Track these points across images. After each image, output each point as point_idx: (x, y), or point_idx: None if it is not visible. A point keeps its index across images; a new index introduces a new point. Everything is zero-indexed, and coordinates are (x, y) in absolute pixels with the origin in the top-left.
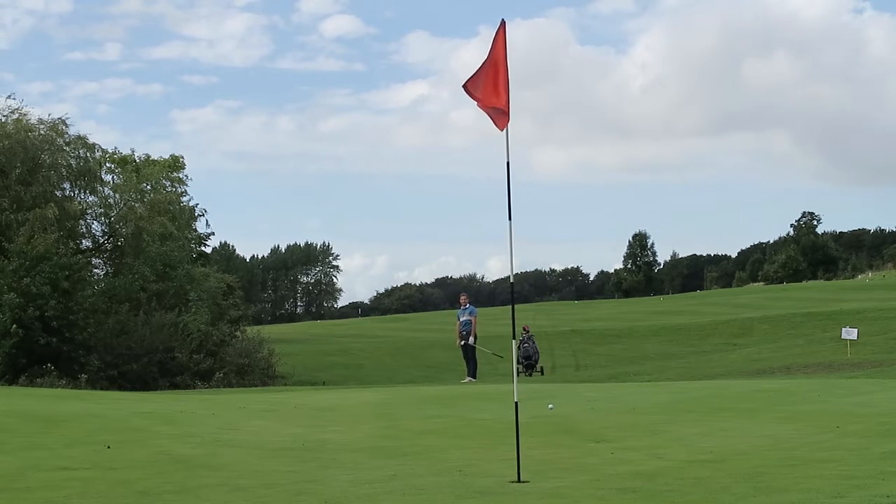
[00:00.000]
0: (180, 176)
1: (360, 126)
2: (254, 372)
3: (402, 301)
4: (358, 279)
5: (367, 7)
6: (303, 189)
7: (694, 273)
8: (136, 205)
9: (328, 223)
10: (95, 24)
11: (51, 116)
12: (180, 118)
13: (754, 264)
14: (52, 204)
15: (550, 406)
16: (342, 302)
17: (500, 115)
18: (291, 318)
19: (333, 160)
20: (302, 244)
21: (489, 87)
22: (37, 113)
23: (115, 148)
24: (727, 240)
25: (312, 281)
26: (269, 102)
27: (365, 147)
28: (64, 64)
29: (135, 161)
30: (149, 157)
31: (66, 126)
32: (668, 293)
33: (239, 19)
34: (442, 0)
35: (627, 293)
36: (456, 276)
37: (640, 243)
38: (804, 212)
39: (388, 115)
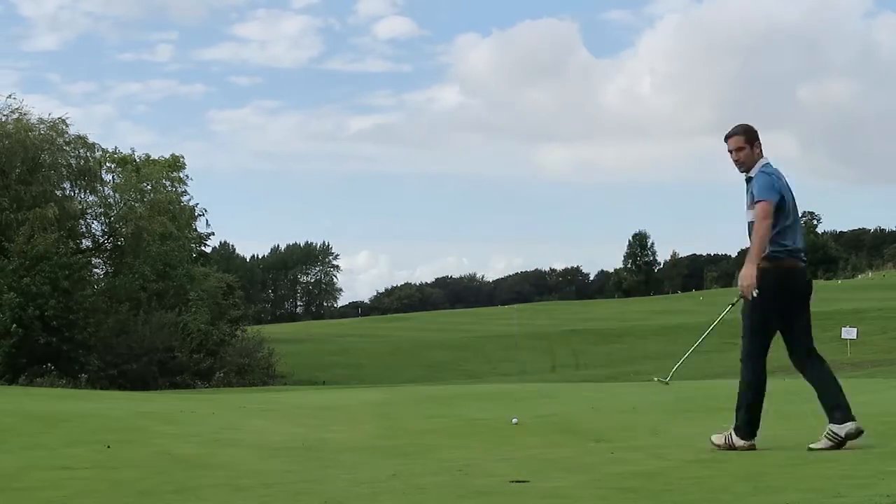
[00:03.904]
0: (180, 176)
1: (388, 127)
2: (254, 371)
3: (402, 301)
4: (362, 278)
5: (421, 9)
6: (308, 189)
7: (694, 273)
8: (136, 204)
9: (332, 223)
10: (152, 25)
11: (51, 116)
12: (217, 118)
13: None
14: (52, 203)
15: (514, 420)
16: (343, 301)
17: None
18: (291, 317)
19: (342, 160)
20: (302, 244)
21: None
22: (37, 113)
23: (116, 147)
24: (727, 240)
25: (312, 281)
26: (307, 103)
27: (375, 147)
28: (112, 65)
29: (135, 161)
30: (149, 156)
31: (66, 126)
32: (668, 293)
33: (294, 21)
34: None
35: (627, 293)
36: (456, 275)
37: (640, 243)
38: (804, 211)
39: (397, 115)
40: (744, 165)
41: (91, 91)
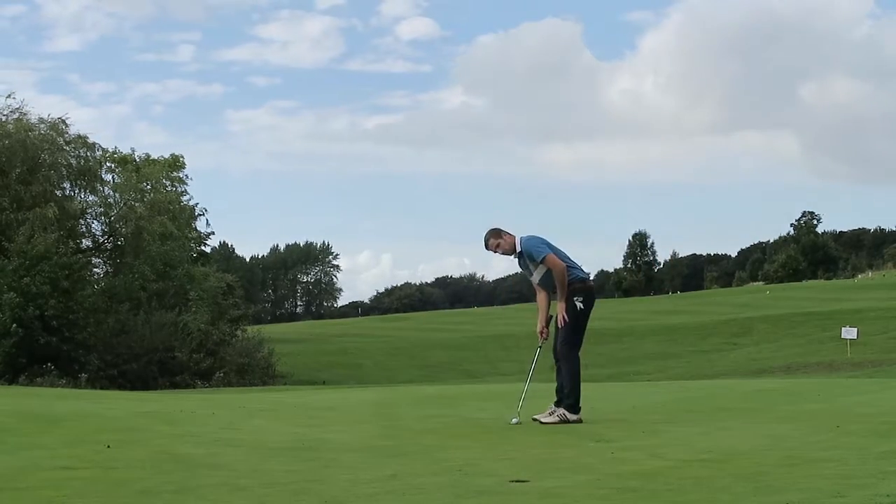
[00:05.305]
0: (180, 175)
1: (391, 127)
2: (254, 371)
3: (401, 301)
4: (364, 277)
5: (445, 9)
6: (311, 189)
7: (694, 273)
8: (136, 204)
9: (334, 222)
10: (175, 26)
11: (51, 116)
12: (233, 118)
13: (754, 264)
14: (52, 203)
15: (514, 420)
16: (344, 301)
17: None
18: (291, 317)
19: (344, 160)
20: (302, 244)
21: None
22: (37, 112)
23: (116, 147)
24: (727, 240)
25: (312, 281)
26: (322, 104)
27: (380, 147)
28: (132, 65)
29: (135, 160)
30: (149, 156)
31: (67, 125)
32: (669, 293)
33: (317, 21)
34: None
35: (627, 293)
36: (456, 275)
37: (640, 243)
38: (804, 211)
39: (399, 115)
40: (508, 250)
41: (109, 92)
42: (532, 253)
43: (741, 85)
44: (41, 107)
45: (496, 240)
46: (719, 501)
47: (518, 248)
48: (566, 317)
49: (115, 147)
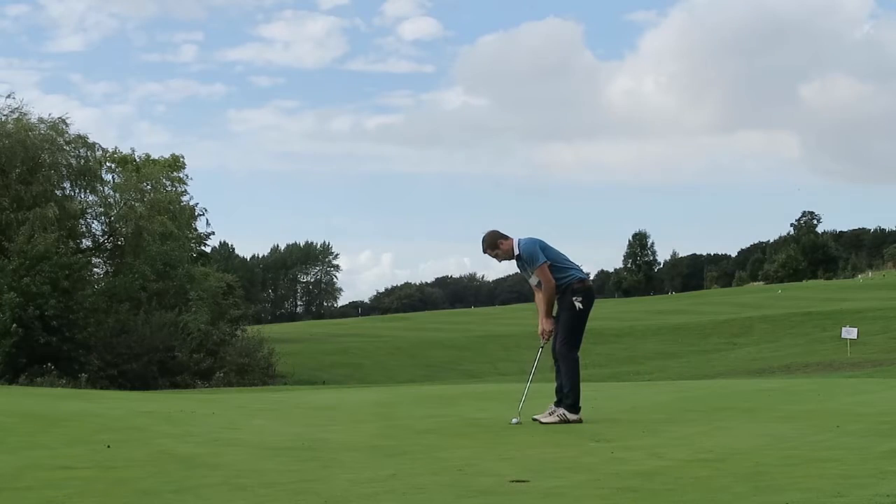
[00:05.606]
0: (180, 175)
1: (392, 128)
2: (254, 371)
3: (402, 301)
4: (364, 277)
5: (447, 9)
6: (312, 189)
7: (694, 273)
8: (137, 204)
9: (335, 222)
10: (178, 26)
11: (51, 116)
12: (234, 118)
13: (754, 264)
14: (53, 203)
15: (514, 420)
16: (344, 300)
17: None
18: (291, 317)
19: (346, 160)
20: (302, 244)
21: None
22: (37, 112)
23: (116, 147)
24: (727, 240)
25: (312, 281)
26: (324, 103)
27: (380, 147)
28: (135, 66)
29: (135, 160)
30: (149, 156)
31: (67, 125)
32: (669, 293)
33: (320, 22)
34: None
35: (627, 293)
36: (456, 275)
37: (640, 243)
38: (804, 211)
39: (399, 115)
40: (506, 255)
41: (112, 92)
42: (530, 259)
43: (741, 85)
44: (44, 107)
45: (493, 250)
46: (719, 501)
47: (516, 251)
48: (548, 330)
49: (116, 147)
